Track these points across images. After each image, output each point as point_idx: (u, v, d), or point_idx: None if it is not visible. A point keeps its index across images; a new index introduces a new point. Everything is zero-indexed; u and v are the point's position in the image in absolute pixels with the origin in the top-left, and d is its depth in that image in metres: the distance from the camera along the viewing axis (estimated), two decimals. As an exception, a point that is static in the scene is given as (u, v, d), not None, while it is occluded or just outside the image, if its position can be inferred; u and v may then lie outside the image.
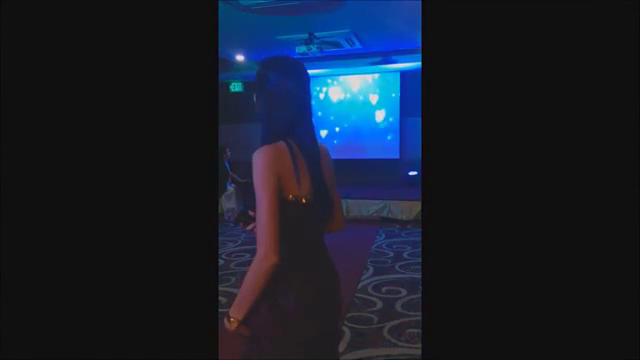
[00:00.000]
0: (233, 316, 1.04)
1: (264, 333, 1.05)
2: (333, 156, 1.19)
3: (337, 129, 7.68)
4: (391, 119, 7.37)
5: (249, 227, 1.14)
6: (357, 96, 7.53)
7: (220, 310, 1.03)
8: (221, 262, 4.06)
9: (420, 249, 4.42)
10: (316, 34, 5.33)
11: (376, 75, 7.33)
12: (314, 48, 5.38)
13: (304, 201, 1.03)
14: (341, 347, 2.33)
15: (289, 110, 1.06)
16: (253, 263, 0.99)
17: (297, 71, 1.08)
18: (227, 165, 6.25)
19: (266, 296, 1.02)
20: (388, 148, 7.41)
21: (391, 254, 4.28)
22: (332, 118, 7.68)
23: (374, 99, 7.44)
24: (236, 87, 7.36)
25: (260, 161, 1.00)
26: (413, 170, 7.01)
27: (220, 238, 4.85)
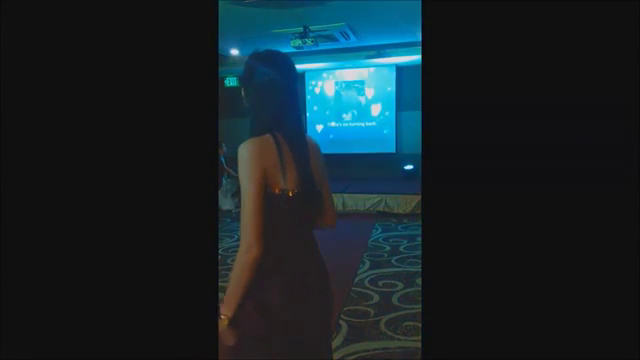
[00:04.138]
0: (223, 313, 1.03)
1: (250, 332, 1.04)
2: (329, 151, 1.19)
3: (333, 124, 7.66)
4: (387, 113, 7.36)
5: None
6: (353, 90, 7.51)
7: (220, 306, 1.05)
8: (218, 257, 4.06)
9: (416, 243, 4.45)
10: (311, 28, 5.30)
11: (372, 69, 7.32)
12: (309, 42, 5.36)
13: (291, 194, 1.02)
14: (338, 341, 2.34)
15: (276, 103, 1.06)
16: (236, 257, 0.99)
17: (285, 65, 1.08)
18: (223, 160, 6.24)
19: (251, 293, 1.02)
20: (384, 142, 7.41)
21: (387, 248, 4.29)
22: (328, 112, 7.66)
23: (370, 93, 7.43)
24: (231, 82, 7.32)
25: (245, 154, 1.00)
26: (409, 164, 7.02)
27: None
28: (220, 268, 3.70)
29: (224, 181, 6.19)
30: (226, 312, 1.04)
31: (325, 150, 1.19)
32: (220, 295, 1.01)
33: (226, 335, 1.04)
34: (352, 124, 7.57)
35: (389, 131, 7.38)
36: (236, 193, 6.06)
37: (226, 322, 1.03)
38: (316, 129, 7.62)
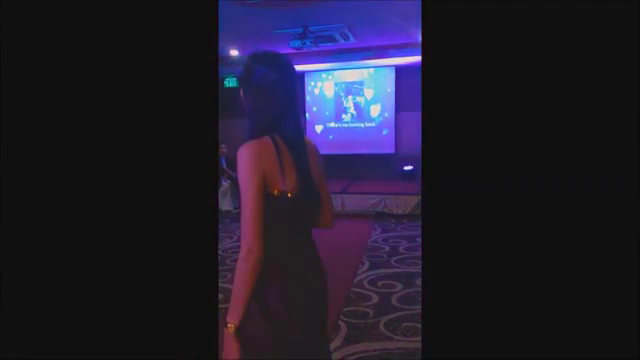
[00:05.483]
0: (230, 322, 1.00)
1: (248, 333, 1.02)
2: (328, 151, 1.19)
3: (332, 124, 7.67)
4: (386, 114, 7.37)
5: None
6: (352, 91, 7.51)
7: (219, 306, 1.01)
8: (218, 258, 4.05)
9: (416, 243, 4.44)
10: (310, 28, 5.30)
11: (371, 70, 7.32)
12: (308, 42, 5.36)
13: (290, 196, 1.02)
14: (337, 341, 2.34)
15: (275, 105, 1.06)
16: (238, 261, 0.98)
17: (284, 66, 1.08)
18: (222, 161, 6.24)
19: (254, 294, 1.01)
20: (383, 143, 7.41)
21: (387, 248, 4.29)
22: (327, 113, 7.66)
23: (369, 94, 7.43)
24: (230, 82, 7.32)
25: (244, 157, 1.00)
26: (408, 165, 7.02)
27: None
28: (220, 268, 3.69)
29: (223, 182, 6.19)
30: (232, 320, 1.00)
31: (324, 151, 1.20)
32: (220, 296, 1.00)
33: (232, 345, 1.01)
34: (351, 125, 7.57)
35: (388, 132, 7.39)
36: (234, 194, 6.06)
37: (232, 330, 1.00)
38: (315, 130, 7.63)
